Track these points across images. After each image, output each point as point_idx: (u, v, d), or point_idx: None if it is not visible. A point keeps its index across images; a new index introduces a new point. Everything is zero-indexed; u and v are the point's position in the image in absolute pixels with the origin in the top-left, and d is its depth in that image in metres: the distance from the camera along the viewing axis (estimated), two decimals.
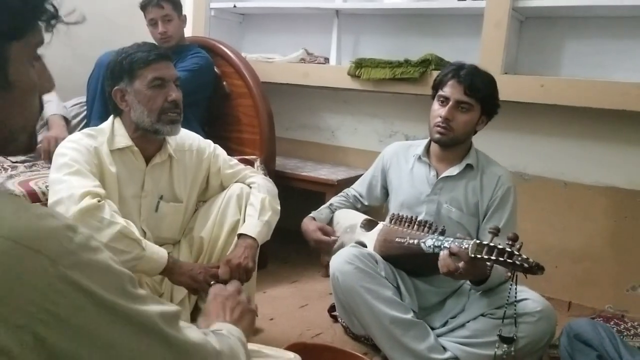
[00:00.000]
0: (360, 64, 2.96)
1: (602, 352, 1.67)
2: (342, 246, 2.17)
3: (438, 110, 2.06)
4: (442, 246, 1.81)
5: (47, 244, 0.63)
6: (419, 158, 2.19)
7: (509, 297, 1.80)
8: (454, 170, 2.11)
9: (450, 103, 2.02)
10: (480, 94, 2.02)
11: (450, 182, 2.12)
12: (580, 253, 2.74)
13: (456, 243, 1.77)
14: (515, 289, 1.76)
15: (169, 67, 1.87)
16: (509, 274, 1.67)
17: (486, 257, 1.66)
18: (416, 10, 3.03)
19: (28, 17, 0.73)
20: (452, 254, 1.77)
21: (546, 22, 2.79)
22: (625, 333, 2.18)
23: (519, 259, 1.61)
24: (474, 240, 1.73)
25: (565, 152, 2.76)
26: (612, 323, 2.12)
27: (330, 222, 2.34)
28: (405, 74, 2.80)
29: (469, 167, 2.11)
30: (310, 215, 2.34)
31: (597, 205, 2.69)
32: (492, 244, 1.67)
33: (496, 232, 1.73)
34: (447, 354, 1.93)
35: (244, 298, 1.22)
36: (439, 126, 2.05)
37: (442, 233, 1.91)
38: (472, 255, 1.70)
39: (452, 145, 2.09)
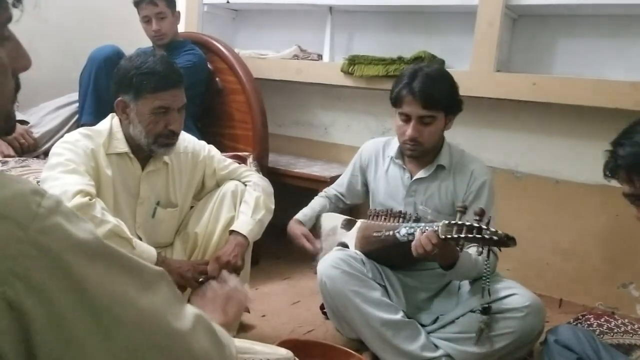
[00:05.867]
0: (353, 60, 2.96)
1: (582, 355, 1.68)
2: (327, 251, 2.17)
3: (403, 128, 2.02)
4: (414, 233, 1.83)
5: (14, 208, 0.61)
6: (393, 160, 2.18)
7: (484, 275, 1.80)
8: (425, 172, 2.10)
9: (413, 121, 1.98)
10: (439, 104, 1.98)
11: (423, 184, 2.11)
12: (572, 251, 2.75)
13: (427, 227, 1.79)
14: (488, 263, 1.77)
15: (176, 95, 1.84)
16: (480, 249, 1.67)
17: (456, 235, 1.67)
18: (410, 8, 3.03)
19: None
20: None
21: (539, 20, 2.80)
22: (615, 330, 2.19)
23: (488, 232, 1.62)
24: (443, 221, 1.74)
25: (556, 150, 2.77)
26: (602, 320, 2.12)
27: (314, 226, 2.34)
28: (398, 71, 2.79)
29: (440, 167, 2.10)
30: (297, 217, 2.32)
31: (588, 203, 2.70)
32: (460, 222, 1.69)
33: (464, 210, 1.75)
34: (439, 352, 1.94)
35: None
36: (407, 144, 2.03)
37: (416, 220, 1.93)
38: (443, 237, 1.71)
39: (425, 154, 2.09)
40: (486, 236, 1.62)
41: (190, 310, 0.79)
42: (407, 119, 2.00)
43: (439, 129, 2.03)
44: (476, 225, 1.65)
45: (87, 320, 0.64)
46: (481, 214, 1.68)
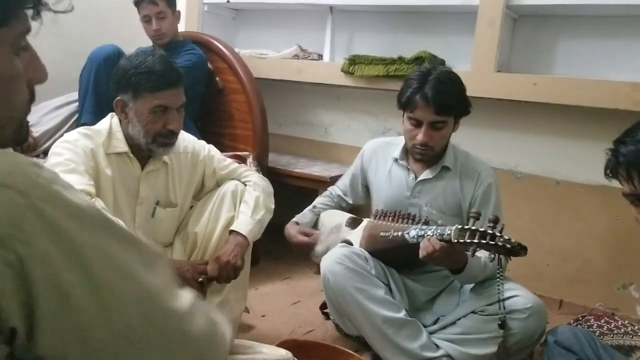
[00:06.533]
0: (353, 60, 2.96)
1: (582, 356, 1.68)
2: (329, 247, 2.17)
3: (413, 132, 2.01)
4: (425, 235, 1.82)
5: (15, 178, 0.62)
6: (397, 161, 2.17)
7: (498, 283, 1.80)
8: (430, 173, 2.10)
9: (424, 127, 1.97)
10: (451, 109, 1.98)
11: (428, 185, 2.11)
12: (572, 251, 2.75)
13: (439, 230, 1.79)
14: (500, 270, 1.76)
15: (175, 94, 1.84)
16: (492, 255, 1.67)
17: (469, 241, 1.67)
18: (410, 8, 3.03)
19: (11, 3, 0.71)
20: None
21: (539, 21, 2.80)
22: (615, 331, 2.19)
23: (501, 240, 1.62)
24: (456, 225, 1.74)
25: (557, 151, 2.77)
26: (602, 321, 2.12)
27: (315, 225, 2.34)
28: (399, 71, 2.80)
29: (445, 168, 2.10)
30: (294, 220, 2.33)
31: (588, 203, 2.70)
32: (473, 228, 1.68)
33: (477, 216, 1.74)
34: (440, 352, 1.93)
35: None
36: (418, 149, 2.02)
37: (426, 223, 1.92)
38: (455, 241, 1.70)
39: (433, 157, 2.09)
40: (499, 244, 1.62)
41: (187, 293, 0.80)
42: (418, 123, 1.99)
43: (449, 132, 2.03)
44: (490, 232, 1.64)
45: (85, 288, 0.65)
46: (495, 221, 1.67)
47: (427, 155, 2.04)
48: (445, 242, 1.75)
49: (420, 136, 1.98)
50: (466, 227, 1.71)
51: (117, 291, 0.68)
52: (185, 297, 0.78)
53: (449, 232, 1.74)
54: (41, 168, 0.66)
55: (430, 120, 1.96)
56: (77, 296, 0.65)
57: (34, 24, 0.76)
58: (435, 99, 1.93)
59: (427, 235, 1.81)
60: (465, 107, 2.03)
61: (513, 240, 1.62)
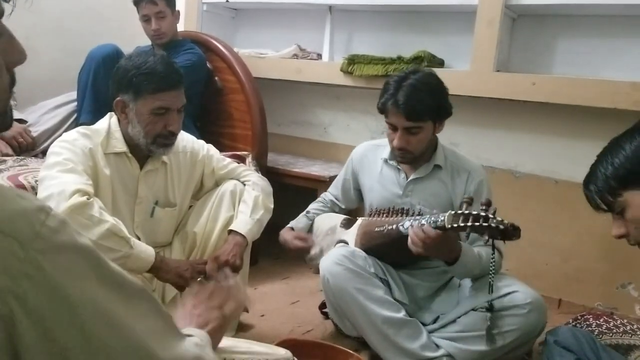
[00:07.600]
0: (353, 60, 2.96)
1: (581, 356, 1.68)
2: (324, 249, 2.16)
3: (391, 136, 2.02)
4: (420, 224, 1.82)
5: (17, 226, 0.59)
6: (386, 161, 2.18)
7: (490, 271, 1.80)
8: (421, 172, 2.10)
9: (399, 132, 1.98)
10: (424, 115, 1.96)
11: (420, 183, 2.11)
12: (571, 251, 2.75)
13: (432, 218, 1.79)
14: (493, 255, 1.77)
15: (176, 96, 1.84)
16: (486, 236, 1.67)
17: (462, 224, 1.67)
18: (409, 7, 3.03)
19: None
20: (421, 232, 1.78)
21: (538, 20, 2.80)
22: (614, 330, 2.19)
23: (494, 221, 1.62)
24: (449, 212, 1.74)
25: (556, 150, 2.76)
26: (601, 320, 2.12)
27: (310, 230, 2.34)
28: (398, 71, 2.79)
29: (437, 167, 2.10)
30: (289, 225, 2.34)
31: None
32: (466, 212, 1.69)
33: (470, 201, 1.74)
34: (440, 352, 1.93)
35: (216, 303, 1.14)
36: (397, 152, 2.04)
37: (419, 215, 1.93)
38: (449, 226, 1.71)
39: (415, 160, 2.09)
40: (492, 225, 1.62)
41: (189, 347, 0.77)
42: (394, 128, 2.00)
43: (427, 136, 2.03)
44: (483, 214, 1.65)
45: (81, 349, 0.62)
46: (488, 204, 1.68)
47: (407, 158, 2.05)
48: (440, 229, 1.75)
49: (395, 141, 2.00)
50: (459, 212, 1.71)
51: (114, 354, 0.65)
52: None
53: (442, 218, 1.75)
54: (47, 215, 0.62)
55: (403, 126, 1.97)
56: (69, 356, 0.62)
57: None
58: (405, 107, 1.92)
59: (422, 224, 1.81)
60: (444, 110, 2.02)
61: (506, 221, 1.63)
